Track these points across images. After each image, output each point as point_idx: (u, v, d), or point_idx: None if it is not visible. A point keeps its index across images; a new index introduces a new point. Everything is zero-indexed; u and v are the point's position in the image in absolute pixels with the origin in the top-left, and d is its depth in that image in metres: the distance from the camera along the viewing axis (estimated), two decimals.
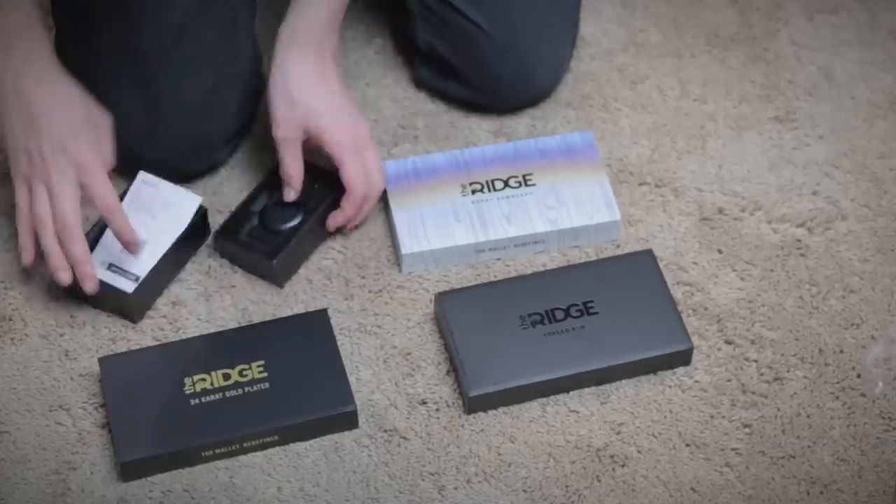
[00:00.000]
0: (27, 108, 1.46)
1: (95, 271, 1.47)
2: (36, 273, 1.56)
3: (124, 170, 1.62)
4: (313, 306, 1.54)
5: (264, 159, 1.65)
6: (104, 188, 1.46)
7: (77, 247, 1.45)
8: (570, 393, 1.48)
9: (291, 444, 1.44)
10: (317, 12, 1.51)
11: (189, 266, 1.57)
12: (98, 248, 1.50)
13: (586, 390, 1.48)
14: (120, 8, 1.55)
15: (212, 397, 1.43)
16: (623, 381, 1.48)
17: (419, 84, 1.71)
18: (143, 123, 1.57)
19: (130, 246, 1.48)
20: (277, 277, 1.54)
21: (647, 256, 1.53)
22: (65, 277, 1.46)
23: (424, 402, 1.47)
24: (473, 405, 1.45)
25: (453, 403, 1.47)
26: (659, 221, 1.61)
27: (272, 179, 1.57)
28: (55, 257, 1.46)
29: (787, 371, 1.50)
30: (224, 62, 1.57)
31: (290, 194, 1.55)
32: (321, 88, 1.53)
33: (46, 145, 1.45)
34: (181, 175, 1.61)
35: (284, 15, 1.52)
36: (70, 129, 1.46)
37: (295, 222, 1.54)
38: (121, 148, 1.59)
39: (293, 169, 1.54)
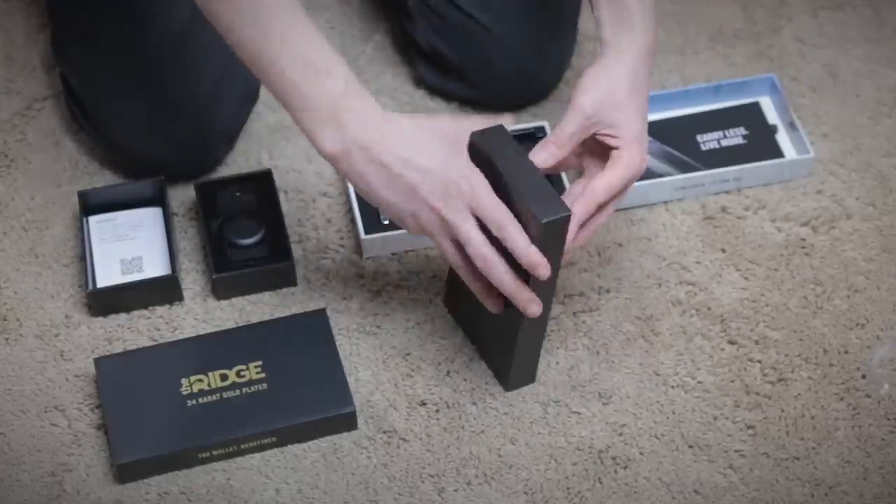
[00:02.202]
0: (389, 171, 1.32)
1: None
2: (30, 272, 1.55)
3: (117, 166, 1.62)
4: (312, 306, 1.53)
5: (259, 155, 1.64)
6: (493, 208, 1.32)
7: (506, 276, 1.34)
8: (572, 394, 1.46)
9: (289, 446, 1.43)
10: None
11: (186, 265, 1.56)
12: None
13: (588, 391, 1.47)
14: (122, 8, 1.54)
15: (209, 398, 1.42)
16: (625, 382, 1.47)
17: (419, 83, 1.70)
18: (143, 123, 1.56)
19: (537, 269, 1.32)
20: (293, 276, 1.54)
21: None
22: (536, 309, 1.36)
23: (424, 403, 1.46)
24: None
25: (453, 404, 1.46)
26: (662, 220, 1.59)
27: (207, 199, 1.57)
28: (518, 291, 1.35)
29: (792, 372, 1.48)
30: (224, 62, 1.57)
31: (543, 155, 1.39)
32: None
33: (426, 200, 1.32)
34: (180, 175, 1.60)
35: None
36: (439, 174, 1.32)
37: (259, 235, 1.54)
38: (119, 146, 1.59)
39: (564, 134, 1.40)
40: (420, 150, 1.32)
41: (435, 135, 1.33)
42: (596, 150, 1.41)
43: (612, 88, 1.38)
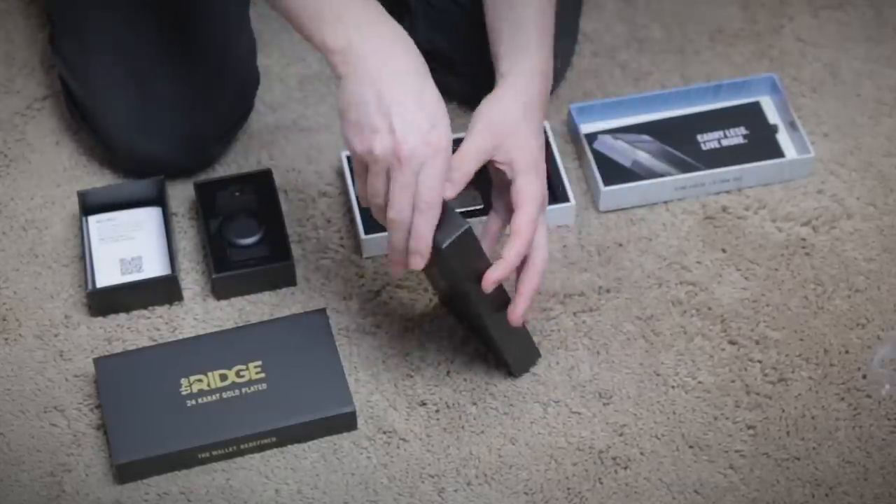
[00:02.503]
0: (367, 100, 1.29)
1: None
2: (30, 272, 1.55)
3: (117, 166, 1.62)
4: (311, 306, 1.52)
5: (259, 154, 1.64)
6: (435, 181, 1.30)
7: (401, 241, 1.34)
8: (572, 394, 1.46)
9: (289, 446, 1.43)
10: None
11: (185, 265, 1.55)
12: None
13: (588, 391, 1.46)
14: (110, 5, 1.54)
15: (209, 398, 1.42)
16: (625, 382, 1.47)
17: None
18: (136, 118, 1.56)
19: (415, 257, 1.33)
20: (293, 275, 1.54)
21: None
22: (419, 262, 1.34)
23: (424, 404, 1.46)
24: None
25: (453, 404, 1.46)
26: (662, 220, 1.59)
27: (206, 198, 1.57)
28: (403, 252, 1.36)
29: (792, 372, 1.48)
30: (216, 55, 1.57)
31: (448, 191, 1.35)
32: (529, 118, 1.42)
33: (371, 150, 1.30)
34: (177, 172, 1.60)
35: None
36: (409, 137, 1.29)
37: (259, 235, 1.54)
38: (115, 144, 1.59)
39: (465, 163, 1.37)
40: (413, 107, 1.28)
41: (432, 99, 1.30)
42: (498, 185, 1.42)
43: (504, 113, 1.38)
